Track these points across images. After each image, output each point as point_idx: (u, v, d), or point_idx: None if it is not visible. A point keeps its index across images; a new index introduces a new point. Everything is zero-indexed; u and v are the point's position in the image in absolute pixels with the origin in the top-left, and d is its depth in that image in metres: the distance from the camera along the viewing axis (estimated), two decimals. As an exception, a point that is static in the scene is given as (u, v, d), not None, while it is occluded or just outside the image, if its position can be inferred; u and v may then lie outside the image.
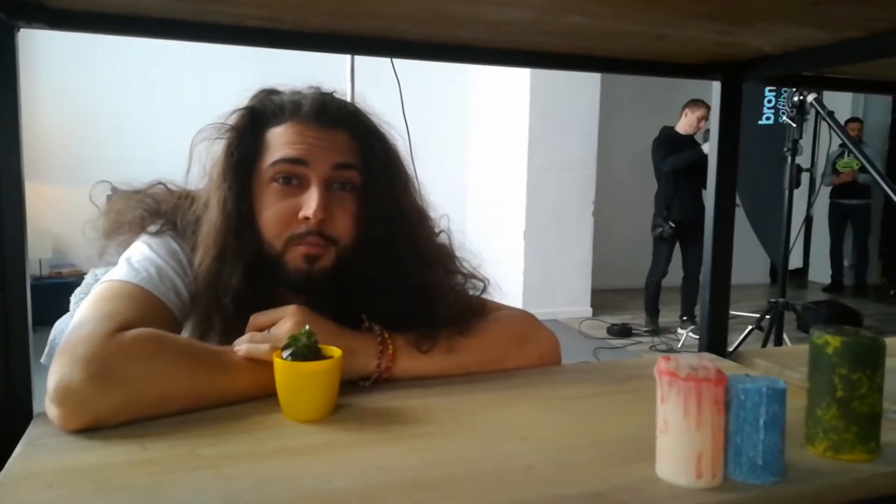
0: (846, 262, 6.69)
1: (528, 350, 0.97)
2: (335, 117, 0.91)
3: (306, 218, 0.86)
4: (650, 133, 4.79)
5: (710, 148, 1.07)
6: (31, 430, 0.71)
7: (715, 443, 0.61)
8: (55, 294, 2.00)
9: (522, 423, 0.77)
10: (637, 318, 5.01)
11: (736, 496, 0.60)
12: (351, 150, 0.91)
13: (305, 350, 0.75)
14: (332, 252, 0.89)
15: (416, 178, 1.01)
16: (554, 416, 0.80)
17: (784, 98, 3.79)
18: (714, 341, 1.08)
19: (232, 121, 0.91)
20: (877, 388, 0.67)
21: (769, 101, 4.13)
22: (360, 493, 0.59)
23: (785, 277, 3.10)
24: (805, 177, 3.48)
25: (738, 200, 3.32)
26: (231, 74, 4.65)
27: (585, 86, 5.05)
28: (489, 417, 0.79)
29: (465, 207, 5.68)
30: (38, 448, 0.66)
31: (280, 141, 0.89)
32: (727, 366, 1.00)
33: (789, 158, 2.94)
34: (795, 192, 3.09)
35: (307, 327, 0.77)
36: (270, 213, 0.88)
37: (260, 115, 0.92)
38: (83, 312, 0.77)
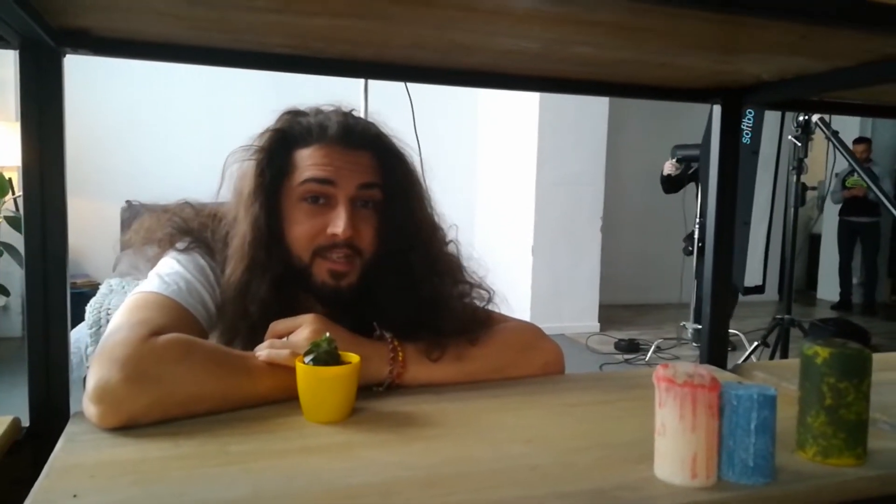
0: (855, 280, 6.69)
1: (534, 359, 1.02)
2: (360, 139, 0.98)
3: (334, 234, 0.93)
4: (658, 148, 4.84)
5: (712, 169, 1.11)
6: (70, 428, 0.76)
7: (709, 445, 0.65)
8: (70, 304, 2.05)
9: (529, 427, 0.82)
10: (645, 334, 5.03)
11: (728, 495, 0.64)
12: (374, 170, 0.98)
13: (326, 356, 0.80)
14: (357, 266, 0.96)
15: (430, 191, 1.07)
16: (559, 421, 0.84)
17: (749, 119, 3.83)
18: (714, 354, 1.12)
19: (261, 142, 0.97)
20: (863, 396, 0.71)
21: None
22: (377, 487, 0.63)
23: (790, 294, 3.13)
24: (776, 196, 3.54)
25: (747, 218, 3.34)
26: (245, 89, 4.76)
27: (594, 102, 5.10)
28: (498, 421, 0.83)
29: (474, 222, 5.73)
30: (78, 444, 0.71)
31: (308, 162, 0.95)
32: (725, 377, 1.05)
33: (795, 176, 2.98)
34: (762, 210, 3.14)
35: (327, 334, 0.82)
36: (300, 229, 0.94)
37: (288, 136, 0.97)
38: (118, 320, 0.82)
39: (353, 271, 0.95)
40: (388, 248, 0.98)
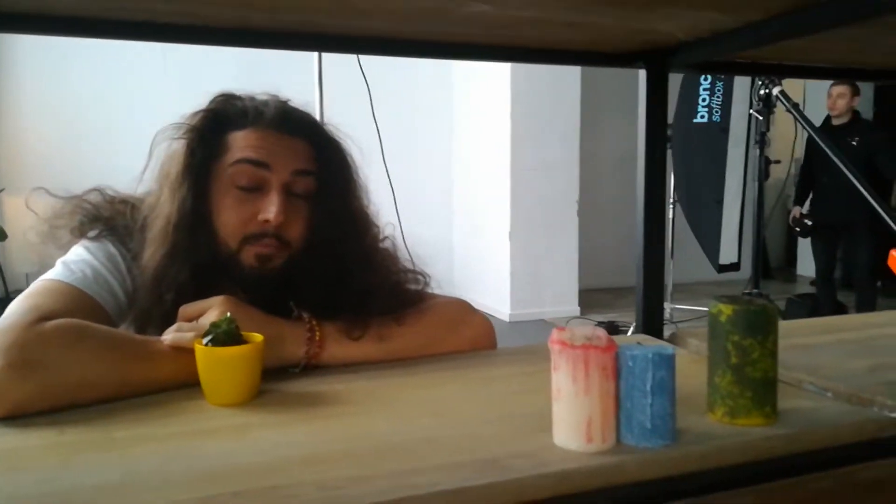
0: (833, 255, 6.70)
1: (461, 334, 0.99)
2: (296, 126, 0.95)
3: (266, 220, 0.90)
4: (632, 131, 4.81)
5: (639, 137, 1.09)
6: (-43, 420, 0.72)
7: (604, 408, 0.63)
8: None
9: (440, 401, 0.79)
10: (624, 316, 5.03)
11: (623, 458, 0.61)
12: (309, 158, 0.95)
13: (225, 336, 0.77)
14: (284, 254, 0.93)
15: (367, 185, 1.04)
16: (474, 395, 0.82)
17: (718, 96, 3.83)
18: (649, 323, 1.10)
19: (193, 121, 0.94)
20: (769, 353, 0.69)
21: (703, 101, 4.13)
22: (259, 466, 0.60)
23: (758, 269, 3.13)
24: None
25: (718, 196, 3.33)
26: (210, 80, 4.68)
27: (566, 86, 5.08)
28: (409, 397, 0.81)
29: (452, 211, 5.71)
30: (-42, 435, 0.68)
31: (242, 144, 0.92)
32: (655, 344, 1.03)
33: (757, 150, 2.97)
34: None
35: (228, 314, 0.79)
36: (229, 214, 0.91)
37: (221, 117, 0.94)
38: (11, 308, 0.79)
39: (278, 257, 0.92)
40: (318, 239, 0.95)
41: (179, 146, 0.93)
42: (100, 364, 0.76)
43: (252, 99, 0.97)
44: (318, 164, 0.96)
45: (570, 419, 0.63)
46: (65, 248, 0.95)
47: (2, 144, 4.35)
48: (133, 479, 0.58)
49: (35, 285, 0.85)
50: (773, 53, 1.06)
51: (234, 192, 0.91)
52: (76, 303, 0.84)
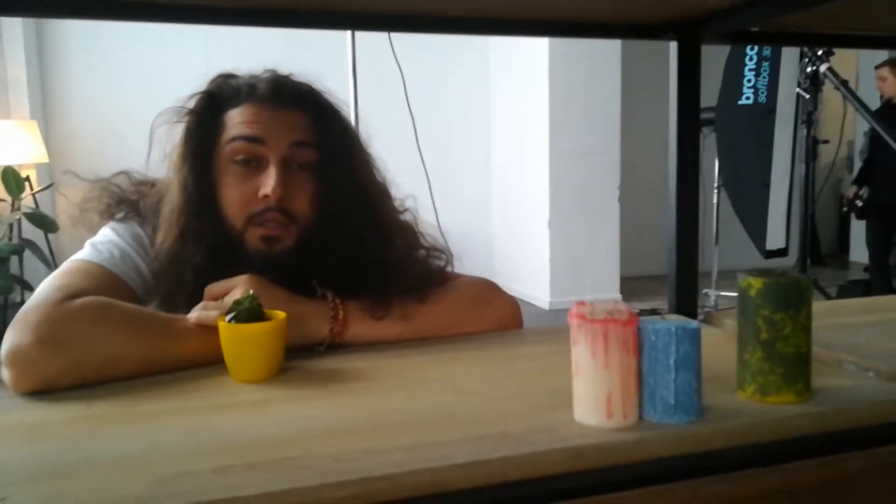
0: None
1: (486, 314, 0.98)
2: (291, 97, 0.94)
3: (265, 196, 0.89)
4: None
5: (670, 112, 1.06)
6: (-10, 395, 0.75)
7: (625, 383, 0.61)
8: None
9: (463, 379, 0.78)
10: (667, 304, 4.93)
11: (643, 434, 0.60)
12: (307, 129, 0.94)
13: (247, 313, 0.77)
14: (292, 232, 0.92)
15: (375, 156, 1.03)
16: (497, 372, 0.81)
17: (764, 77, 3.70)
18: (683, 303, 1.07)
19: (190, 104, 0.95)
20: (801, 328, 0.66)
21: (749, 81, 3.99)
22: (277, 439, 0.60)
23: (805, 254, 3.03)
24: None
25: (766, 180, 3.22)
26: (250, 65, 4.73)
27: (606, 68, 5.00)
28: (432, 375, 0.80)
29: (490, 198, 5.68)
30: (-11, 409, 0.70)
31: (237, 121, 0.92)
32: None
33: (805, 130, 2.87)
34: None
35: (251, 292, 0.79)
36: (230, 193, 0.91)
37: (217, 98, 0.95)
38: (40, 287, 0.81)
39: (287, 236, 0.92)
40: (327, 212, 0.95)
41: (179, 130, 0.94)
42: (126, 340, 0.77)
43: (248, 76, 0.96)
44: (319, 135, 0.95)
45: (590, 394, 0.61)
46: (94, 231, 0.98)
47: (52, 143, 4.49)
48: (152, 450, 0.59)
49: (64, 266, 0.87)
50: (820, 21, 1.00)
51: (233, 169, 0.91)
52: (103, 282, 0.85)
